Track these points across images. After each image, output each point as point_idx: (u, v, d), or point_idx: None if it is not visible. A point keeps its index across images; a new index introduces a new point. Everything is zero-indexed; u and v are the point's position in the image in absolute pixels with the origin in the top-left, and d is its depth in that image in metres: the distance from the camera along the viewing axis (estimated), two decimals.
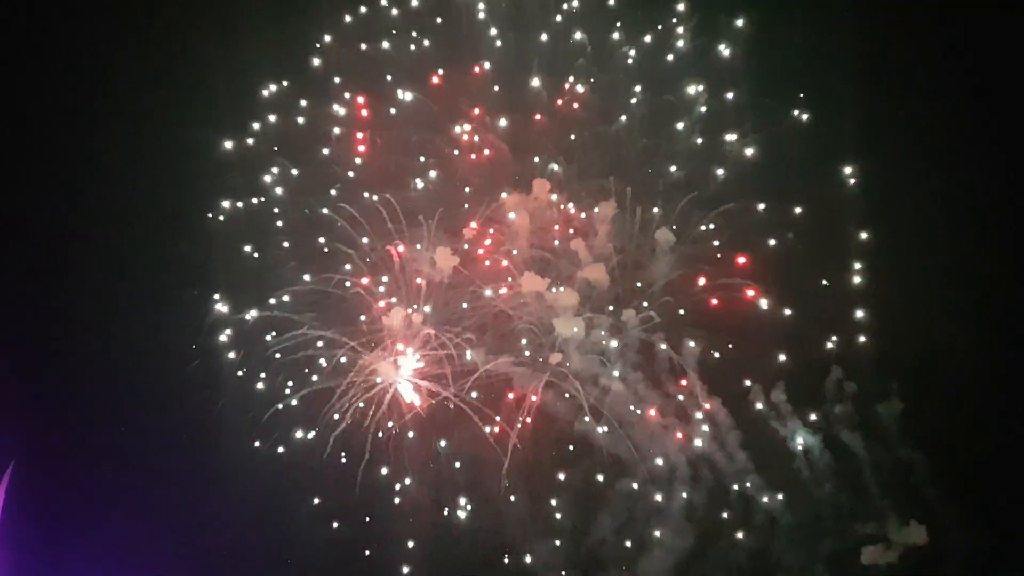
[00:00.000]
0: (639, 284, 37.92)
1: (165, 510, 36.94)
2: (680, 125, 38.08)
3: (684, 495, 36.57)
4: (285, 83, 39.70)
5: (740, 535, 36.30)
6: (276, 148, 39.31)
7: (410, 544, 36.97)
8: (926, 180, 36.27)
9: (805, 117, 37.34)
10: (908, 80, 36.98)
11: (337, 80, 39.72)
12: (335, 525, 37.21)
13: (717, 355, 37.07)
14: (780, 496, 36.35)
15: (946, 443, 34.95)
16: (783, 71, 37.00)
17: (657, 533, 36.41)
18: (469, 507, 37.21)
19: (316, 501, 37.31)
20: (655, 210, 37.60)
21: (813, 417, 36.73)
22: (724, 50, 37.74)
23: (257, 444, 37.55)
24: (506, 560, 36.94)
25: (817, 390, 36.97)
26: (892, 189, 36.55)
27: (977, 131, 36.09)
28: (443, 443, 37.33)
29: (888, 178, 36.54)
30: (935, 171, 36.32)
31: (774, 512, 36.30)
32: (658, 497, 36.57)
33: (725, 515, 36.47)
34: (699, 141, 37.98)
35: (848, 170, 37.12)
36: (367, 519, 37.32)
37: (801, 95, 37.28)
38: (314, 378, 37.54)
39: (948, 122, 36.08)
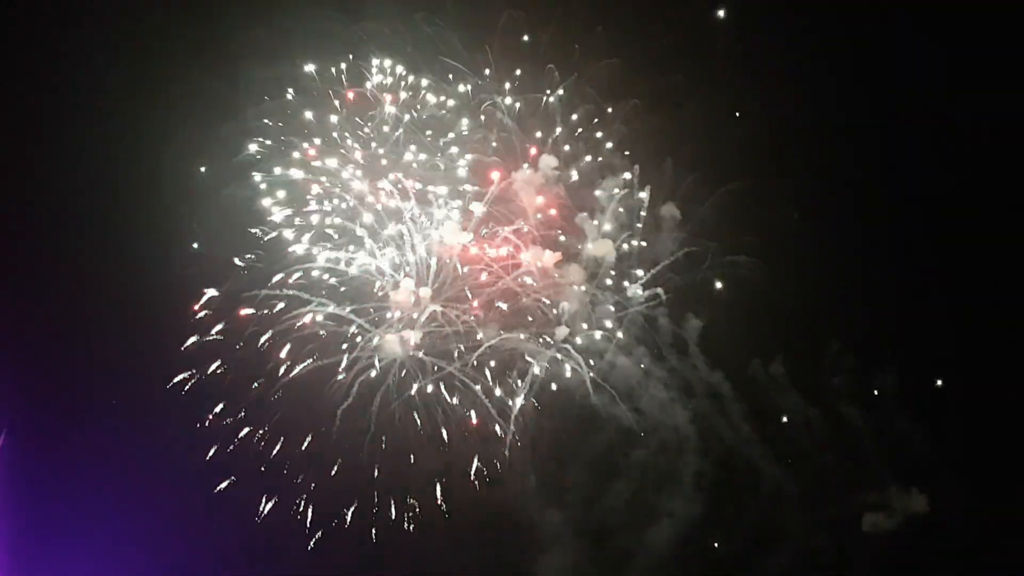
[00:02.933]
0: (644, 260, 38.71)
1: (161, 482, 36.77)
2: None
3: (690, 465, 37.48)
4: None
5: (745, 503, 37.24)
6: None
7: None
8: (924, 156, 37.61)
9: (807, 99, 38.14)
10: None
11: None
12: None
13: (720, 329, 38.02)
14: (782, 466, 37.32)
15: (945, 413, 36.11)
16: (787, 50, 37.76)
17: (664, 502, 37.23)
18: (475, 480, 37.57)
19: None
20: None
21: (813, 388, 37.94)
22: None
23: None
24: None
25: (816, 362, 38.09)
26: (893, 165, 37.68)
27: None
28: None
29: (888, 153, 37.76)
30: (930, 149, 37.59)
31: (777, 481, 37.28)
32: (664, 468, 37.41)
33: (730, 485, 37.38)
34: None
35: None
36: (374, 495, 37.43)
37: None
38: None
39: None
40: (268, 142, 38.60)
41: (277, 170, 38.36)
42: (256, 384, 37.50)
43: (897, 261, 37.52)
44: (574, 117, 38.94)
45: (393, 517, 37.27)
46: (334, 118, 38.97)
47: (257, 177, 38.19)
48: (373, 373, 37.46)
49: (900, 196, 37.40)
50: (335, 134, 38.82)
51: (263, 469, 37.33)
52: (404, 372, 37.52)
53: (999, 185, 36.88)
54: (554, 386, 37.83)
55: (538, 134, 38.92)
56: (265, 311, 37.76)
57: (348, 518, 37.27)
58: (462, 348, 37.72)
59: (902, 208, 37.54)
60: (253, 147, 38.38)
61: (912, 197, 37.28)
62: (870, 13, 37.12)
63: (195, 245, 38.19)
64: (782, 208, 37.50)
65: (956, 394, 36.37)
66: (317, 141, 38.74)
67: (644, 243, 38.66)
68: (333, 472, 37.21)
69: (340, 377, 37.29)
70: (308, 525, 37.47)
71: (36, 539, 36.59)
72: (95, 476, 36.58)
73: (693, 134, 38.18)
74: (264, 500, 37.26)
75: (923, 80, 37.28)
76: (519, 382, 37.56)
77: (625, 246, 38.60)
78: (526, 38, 38.79)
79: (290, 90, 38.71)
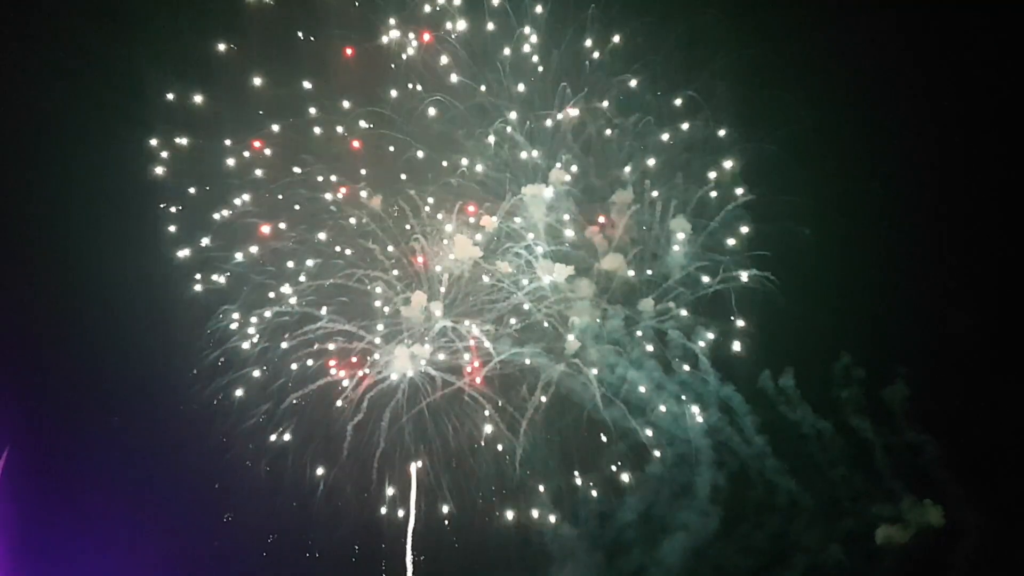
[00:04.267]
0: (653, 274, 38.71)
1: (167, 503, 36.78)
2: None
3: (702, 480, 37.49)
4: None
5: (758, 517, 37.32)
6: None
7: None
8: (932, 171, 37.66)
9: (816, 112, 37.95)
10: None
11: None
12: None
13: (730, 343, 38.12)
14: (796, 479, 37.42)
15: (956, 425, 36.30)
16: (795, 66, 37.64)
17: (676, 517, 37.27)
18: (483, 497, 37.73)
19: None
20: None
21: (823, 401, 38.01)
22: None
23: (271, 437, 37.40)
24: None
25: (827, 375, 38.21)
26: (899, 179, 37.73)
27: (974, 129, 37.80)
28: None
29: (896, 169, 37.77)
30: (939, 164, 37.73)
31: (790, 494, 37.34)
32: (677, 481, 37.49)
33: (743, 498, 37.48)
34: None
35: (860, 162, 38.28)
36: (383, 510, 37.35)
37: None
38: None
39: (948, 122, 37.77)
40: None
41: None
42: (266, 406, 37.35)
43: (906, 273, 37.42)
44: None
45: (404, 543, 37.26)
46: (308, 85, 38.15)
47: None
48: (383, 388, 37.33)
49: (910, 209, 37.45)
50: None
51: (271, 492, 37.34)
52: (414, 388, 37.35)
53: (1012, 199, 37.09)
54: (565, 400, 37.77)
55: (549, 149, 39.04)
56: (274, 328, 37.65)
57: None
58: (473, 363, 37.56)
59: (912, 221, 37.64)
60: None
61: (922, 210, 37.39)
62: (884, 28, 37.39)
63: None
64: (793, 222, 37.55)
65: (968, 405, 36.42)
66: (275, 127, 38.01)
67: (655, 257, 38.66)
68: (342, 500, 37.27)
69: (349, 393, 37.13)
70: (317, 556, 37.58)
71: (40, 557, 36.15)
72: (99, 495, 36.36)
73: (704, 148, 38.38)
74: (272, 532, 37.52)
75: (936, 95, 37.59)
76: (530, 397, 37.48)
77: (636, 260, 38.62)
78: (536, 59, 38.96)
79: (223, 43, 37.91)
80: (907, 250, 37.62)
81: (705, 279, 38.18)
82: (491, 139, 38.40)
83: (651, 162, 38.59)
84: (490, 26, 38.38)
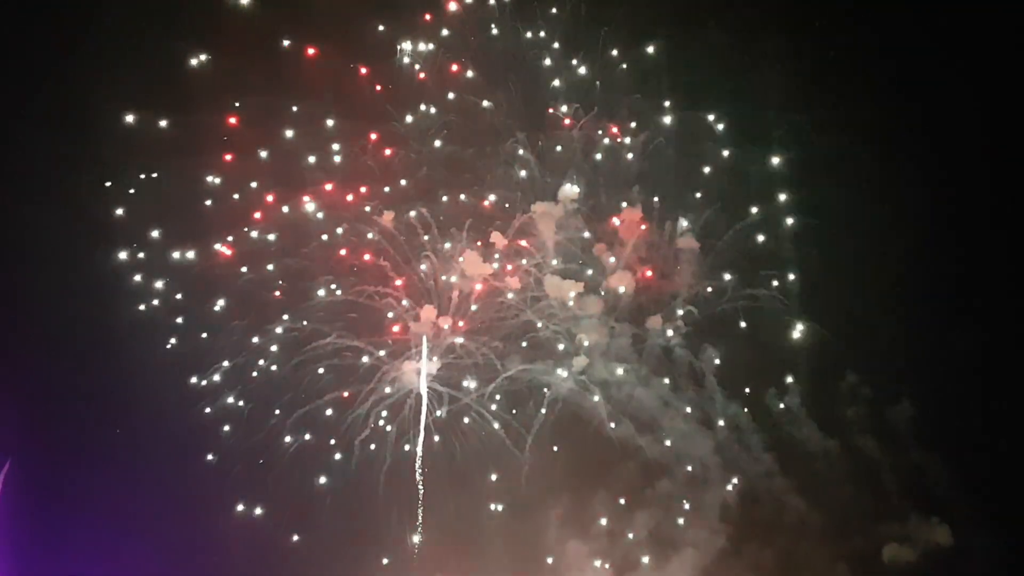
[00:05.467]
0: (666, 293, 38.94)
1: (166, 516, 36.30)
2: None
3: (709, 497, 37.64)
4: None
5: (765, 535, 37.38)
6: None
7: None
8: (939, 191, 37.63)
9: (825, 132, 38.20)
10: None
11: None
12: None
13: (737, 361, 38.36)
14: (803, 497, 37.54)
15: (962, 444, 36.55)
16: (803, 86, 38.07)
17: (683, 535, 37.34)
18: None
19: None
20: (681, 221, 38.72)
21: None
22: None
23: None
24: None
25: (832, 394, 38.43)
26: (907, 199, 37.66)
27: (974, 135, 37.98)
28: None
29: (900, 186, 37.70)
30: (947, 185, 37.82)
31: (797, 513, 37.46)
32: (685, 499, 37.67)
33: (749, 516, 37.57)
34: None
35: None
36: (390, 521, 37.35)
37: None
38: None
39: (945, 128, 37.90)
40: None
41: None
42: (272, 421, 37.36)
43: (912, 292, 37.51)
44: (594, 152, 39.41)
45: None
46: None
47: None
48: (390, 404, 37.34)
49: (917, 229, 37.57)
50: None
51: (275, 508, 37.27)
52: (422, 403, 37.39)
53: (1019, 221, 37.49)
54: (572, 417, 37.83)
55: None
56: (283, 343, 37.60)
57: None
58: (481, 379, 37.71)
59: (919, 240, 37.67)
60: None
61: (929, 230, 37.57)
62: (893, 46, 37.76)
63: None
64: (800, 242, 37.94)
65: (974, 423, 36.69)
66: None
67: (663, 275, 38.84)
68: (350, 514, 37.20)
69: (358, 409, 37.12)
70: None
71: (42, 570, 35.94)
72: (100, 509, 36.04)
73: (713, 168, 38.69)
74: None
75: (944, 110, 37.76)
76: (538, 413, 37.55)
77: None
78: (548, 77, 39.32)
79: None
80: (913, 269, 37.64)
81: (713, 298, 38.38)
82: (502, 157, 38.65)
83: (661, 180, 38.81)
84: (502, 43, 38.79)
